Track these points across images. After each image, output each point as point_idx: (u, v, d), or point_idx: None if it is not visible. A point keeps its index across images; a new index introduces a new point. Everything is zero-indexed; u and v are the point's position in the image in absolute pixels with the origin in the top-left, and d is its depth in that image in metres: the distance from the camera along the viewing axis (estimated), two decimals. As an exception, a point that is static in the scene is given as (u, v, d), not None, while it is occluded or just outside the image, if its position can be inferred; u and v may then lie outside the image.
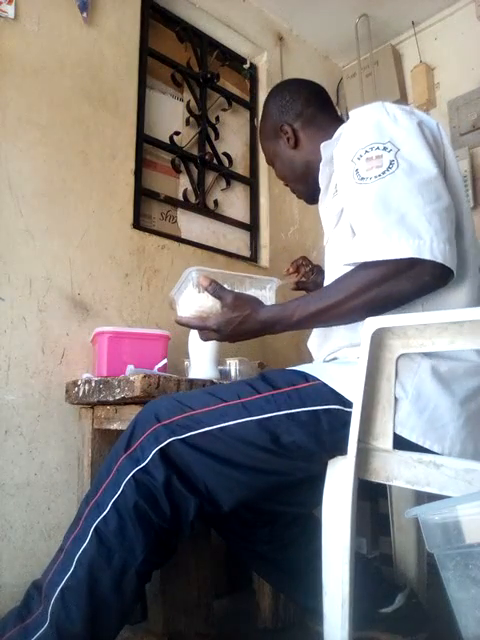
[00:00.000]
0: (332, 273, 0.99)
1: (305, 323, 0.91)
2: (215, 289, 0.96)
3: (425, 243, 0.78)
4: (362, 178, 0.86)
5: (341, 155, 0.93)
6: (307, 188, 1.15)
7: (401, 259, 0.78)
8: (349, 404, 0.83)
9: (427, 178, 0.83)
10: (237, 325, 0.94)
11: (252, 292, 1.06)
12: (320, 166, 1.03)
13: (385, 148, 0.86)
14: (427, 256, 0.77)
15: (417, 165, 0.84)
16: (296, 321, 0.90)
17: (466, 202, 0.94)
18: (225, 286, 0.98)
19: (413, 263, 0.78)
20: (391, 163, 0.84)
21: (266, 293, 1.08)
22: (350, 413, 0.80)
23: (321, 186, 1.06)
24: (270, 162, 1.21)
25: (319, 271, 1.35)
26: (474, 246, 0.93)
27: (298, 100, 1.12)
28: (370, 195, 0.84)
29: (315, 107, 1.12)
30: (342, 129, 0.97)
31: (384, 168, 0.84)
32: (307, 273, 1.35)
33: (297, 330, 0.93)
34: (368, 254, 0.81)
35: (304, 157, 1.12)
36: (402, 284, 0.81)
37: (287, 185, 1.22)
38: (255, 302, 0.96)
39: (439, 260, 0.78)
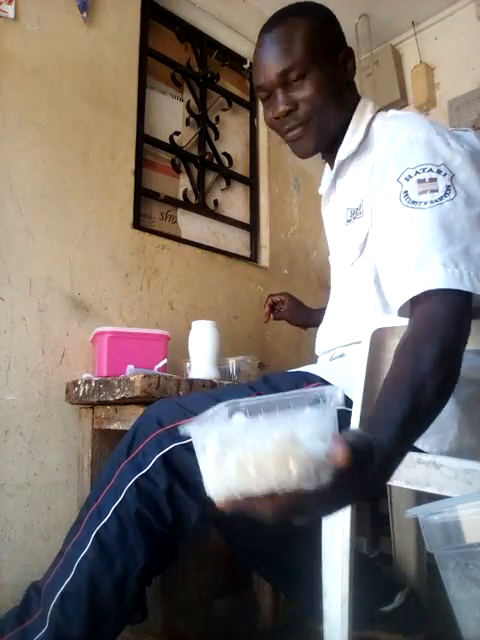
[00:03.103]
0: (359, 299, 0.96)
1: (405, 437, 0.59)
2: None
3: (447, 274, 0.68)
4: (413, 202, 0.76)
5: (379, 173, 0.83)
6: (317, 127, 0.95)
7: (470, 293, 0.69)
8: (351, 404, 0.83)
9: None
10: (353, 485, 0.51)
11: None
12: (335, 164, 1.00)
13: (439, 171, 0.77)
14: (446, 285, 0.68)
15: (474, 196, 0.76)
16: (396, 440, 0.57)
17: None
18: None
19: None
20: (448, 189, 0.75)
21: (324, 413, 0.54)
22: (351, 412, 0.80)
23: (323, 187, 1.06)
24: (301, 70, 0.91)
25: (290, 298, 1.44)
26: None
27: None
28: (427, 221, 0.74)
29: None
30: (360, 134, 0.95)
31: (441, 193, 0.75)
32: (281, 308, 1.44)
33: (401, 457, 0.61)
34: (434, 282, 0.69)
35: (341, 96, 0.96)
36: (467, 321, 0.69)
37: (285, 119, 0.95)
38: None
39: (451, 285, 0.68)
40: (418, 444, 0.81)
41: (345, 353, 0.97)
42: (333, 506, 0.53)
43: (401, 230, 0.76)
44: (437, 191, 0.75)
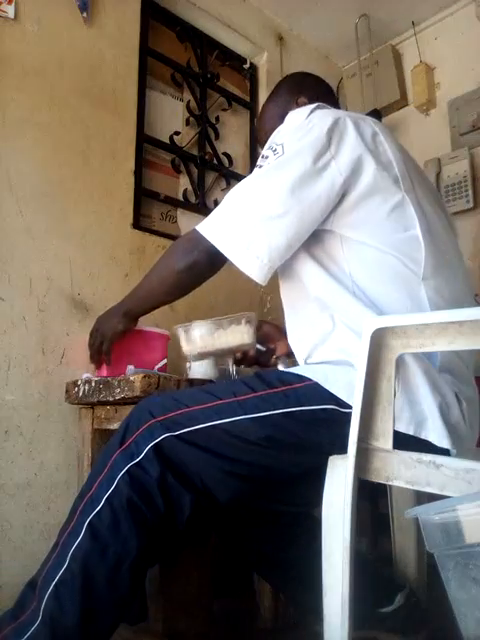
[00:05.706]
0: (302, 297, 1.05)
1: (137, 302, 1.13)
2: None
3: (212, 225, 0.90)
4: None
5: None
6: None
7: (186, 236, 0.97)
8: (344, 405, 0.84)
9: (274, 183, 0.88)
10: (101, 316, 1.23)
11: (231, 328, 1.16)
12: None
13: (274, 150, 0.91)
14: (200, 230, 0.91)
15: (278, 169, 0.89)
16: (131, 303, 1.14)
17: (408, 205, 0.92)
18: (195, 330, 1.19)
19: (192, 239, 0.94)
20: (264, 159, 0.92)
21: (242, 327, 1.16)
22: (346, 413, 0.81)
23: None
24: (267, 136, 1.21)
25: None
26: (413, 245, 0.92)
27: (319, 84, 1.21)
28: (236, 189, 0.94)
29: (329, 98, 1.18)
30: None
31: (258, 166, 0.92)
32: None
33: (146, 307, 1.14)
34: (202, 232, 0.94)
35: None
36: (175, 257, 0.97)
37: None
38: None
39: (203, 233, 0.90)
40: (417, 433, 0.82)
41: (325, 359, 0.95)
42: (103, 325, 1.22)
43: None
44: (257, 165, 0.92)
